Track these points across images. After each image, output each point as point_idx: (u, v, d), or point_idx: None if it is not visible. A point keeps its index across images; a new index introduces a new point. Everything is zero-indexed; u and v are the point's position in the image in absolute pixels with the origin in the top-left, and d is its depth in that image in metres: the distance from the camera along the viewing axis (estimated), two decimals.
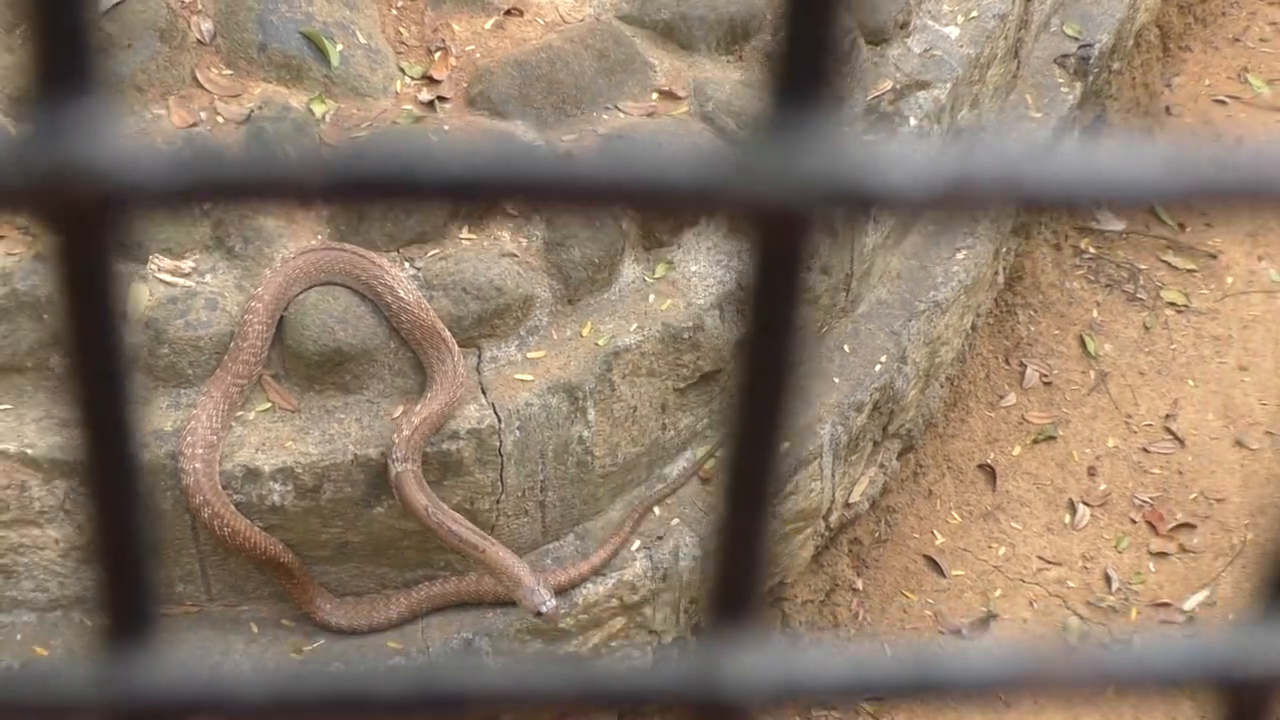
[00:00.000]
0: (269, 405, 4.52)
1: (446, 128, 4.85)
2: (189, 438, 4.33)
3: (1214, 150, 0.51)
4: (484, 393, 4.62)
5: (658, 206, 0.48)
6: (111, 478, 0.53)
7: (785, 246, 0.48)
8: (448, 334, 4.50)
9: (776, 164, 0.47)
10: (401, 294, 4.47)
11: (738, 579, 0.56)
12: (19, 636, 4.54)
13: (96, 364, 0.49)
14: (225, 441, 4.42)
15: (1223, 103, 7.82)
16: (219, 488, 4.39)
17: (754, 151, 0.47)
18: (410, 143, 0.49)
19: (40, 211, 0.43)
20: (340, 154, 0.47)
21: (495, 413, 4.59)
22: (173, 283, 4.49)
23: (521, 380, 4.65)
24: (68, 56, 0.42)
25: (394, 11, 5.19)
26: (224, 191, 0.46)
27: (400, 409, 4.50)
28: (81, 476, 0.53)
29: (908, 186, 0.48)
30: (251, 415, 4.50)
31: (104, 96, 0.43)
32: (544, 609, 4.45)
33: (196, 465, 4.32)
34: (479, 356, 4.68)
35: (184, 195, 0.45)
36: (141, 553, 0.51)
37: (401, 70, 5.04)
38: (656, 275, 4.96)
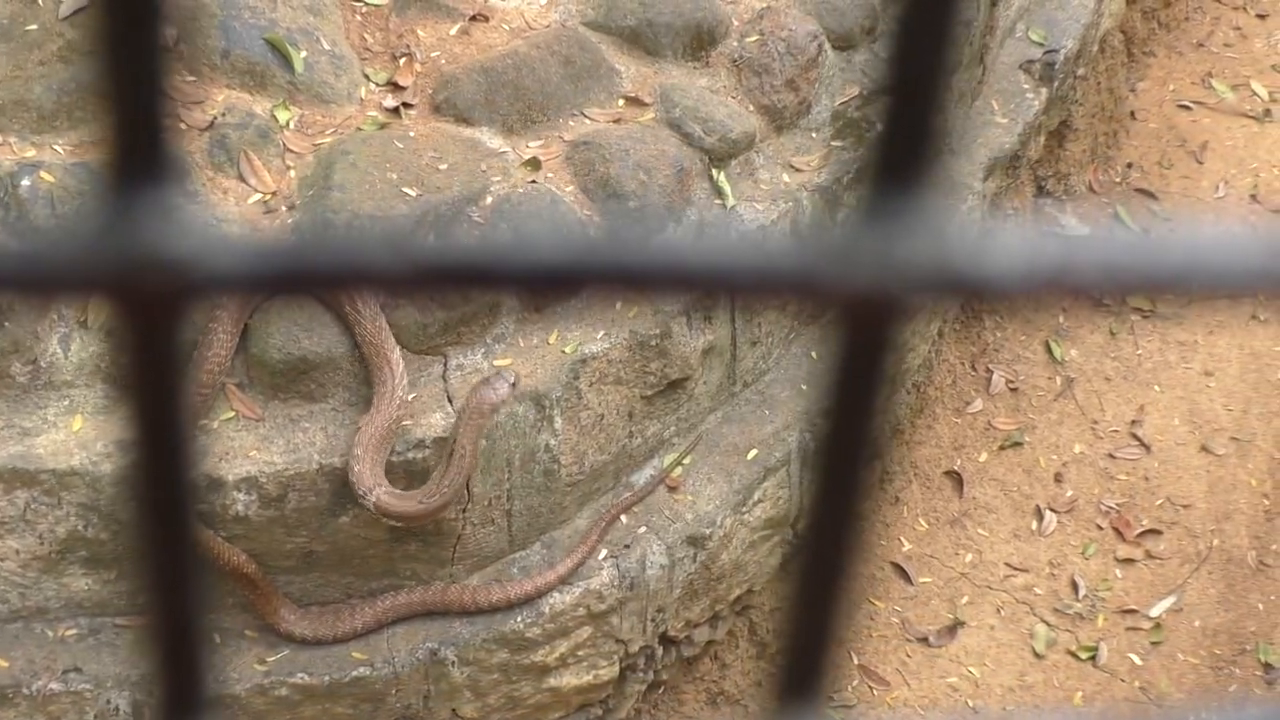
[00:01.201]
0: (233, 414, 4.52)
1: (413, 134, 4.86)
2: None
3: None
4: (450, 401, 4.63)
5: (760, 294, 0.50)
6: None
7: (877, 332, 0.50)
8: (395, 355, 4.49)
9: (875, 250, 0.48)
10: (360, 305, 4.48)
11: (810, 648, 0.58)
12: None
13: (163, 435, 0.51)
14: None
15: (1187, 108, 7.90)
16: None
17: (852, 237, 0.48)
18: (488, 235, 0.51)
19: (118, 300, 0.45)
20: (419, 245, 0.48)
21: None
22: None
23: None
24: (144, 145, 0.43)
25: (358, 17, 5.19)
26: (297, 283, 0.47)
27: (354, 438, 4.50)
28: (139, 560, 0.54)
29: (1007, 277, 0.49)
30: (215, 424, 4.50)
31: (180, 184, 0.44)
32: (511, 381, 4.51)
33: None
34: (445, 364, 4.69)
35: (260, 285, 0.47)
36: None
37: (366, 76, 5.05)
38: None
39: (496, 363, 4.71)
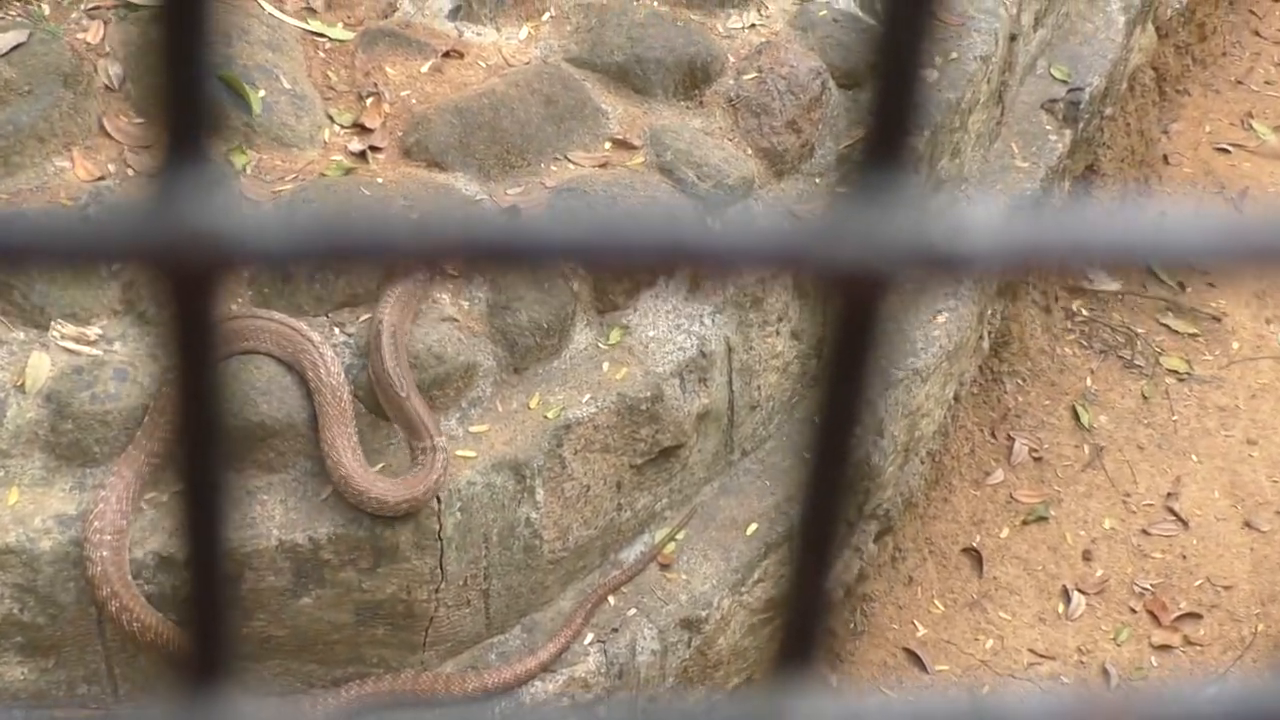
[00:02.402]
0: (184, 486, 4.57)
1: (381, 180, 4.94)
2: (96, 523, 4.37)
3: (1271, 216, 0.61)
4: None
5: (752, 269, 0.57)
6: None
7: (867, 307, 0.58)
8: (350, 436, 4.57)
9: (860, 228, 0.56)
10: (324, 374, 4.54)
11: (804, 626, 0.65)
12: None
13: (200, 416, 0.58)
14: (136, 526, 4.47)
15: (1225, 151, 8.01)
16: (128, 578, 4.42)
17: (838, 216, 0.56)
18: (513, 218, 0.58)
19: (160, 275, 0.53)
20: (460, 221, 0.56)
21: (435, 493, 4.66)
22: (78, 351, 4.54)
23: (463, 457, 4.72)
24: (184, 126, 0.51)
25: (321, 54, 5.29)
26: (334, 254, 0.55)
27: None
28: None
29: (986, 250, 0.57)
30: (165, 497, 4.55)
31: (218, 164, 0.52)
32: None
33: (104, 553, 4.36)
34: None
35: (298, 258, 0.54)
36: None
37: (330, 118, 5.14)
38: (611, 341, 5.05)
39: (472, 429, 4.78)
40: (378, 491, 4.50)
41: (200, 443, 0.59)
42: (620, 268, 0.57)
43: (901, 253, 0.57)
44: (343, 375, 4.57)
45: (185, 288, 0.52)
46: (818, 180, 5.51)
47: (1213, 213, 0.60)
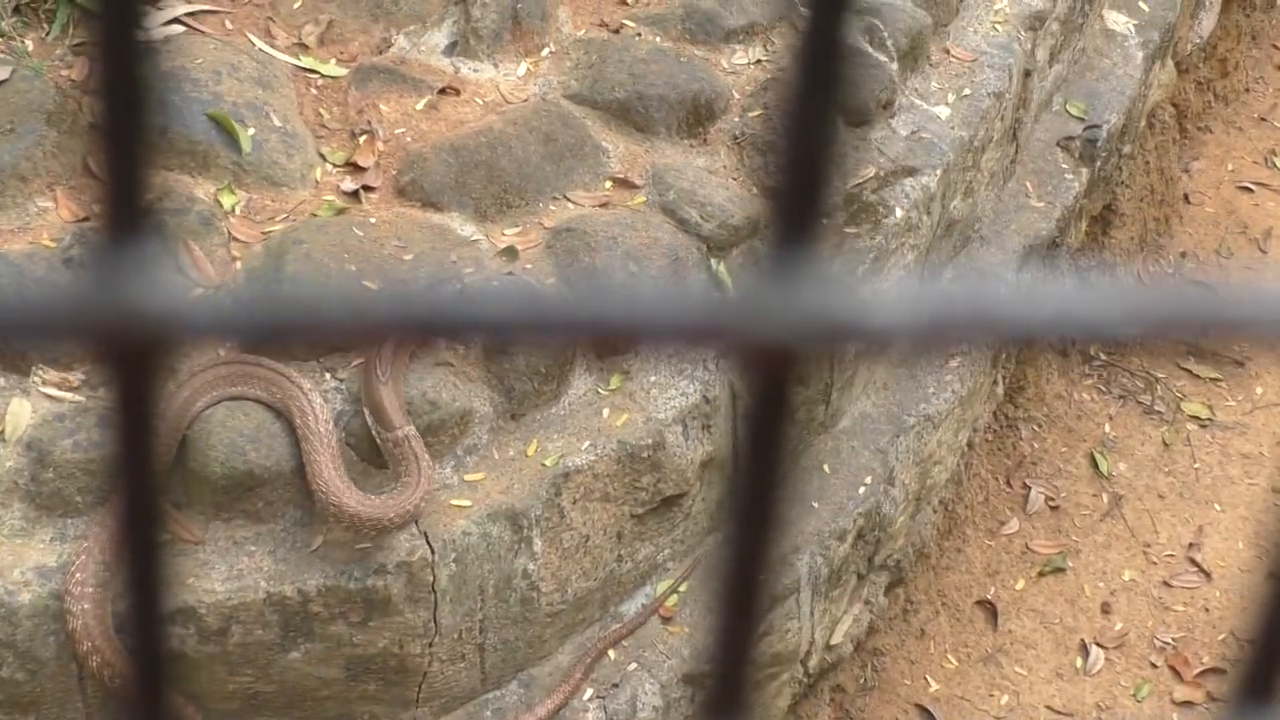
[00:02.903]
0: (169, 537, 4.58)
1: (374, 220, 4.97)
2: (77, 575, 4.38)
3: (1172, 290, 0.63)
4: (415, 521, 4.70)
5: (665, 344, 0.60)
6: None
7: (778, 380, 0.60)
8: (337, 464, 4.59)
9: (773, 303, 0.59)
10: (312, 421, 4.55)
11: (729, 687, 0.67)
12: None
13: (138, 487, 0.60)
14: (119, 579, 4.47)
15: (1248, 189, 8.03)
16: (111, 632, 4.43)
17: (750, 291, 0.59)
18: (423, 289, 0.60)
19: (98, 354, 0.54)
20: (392, 295, 0.58)
21: (428, 543, 4.66)
22: (60, 398, 4.56)
23: (458, 506, 4.74)
24: (125, 203, 0.53)
25: (313, 91, 5.33)
26: (272, 332, 0.57)
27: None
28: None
29: (893, 325, 0.59)
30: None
31: (158, 242, 0.54)
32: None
33: (85, 606, 4.37)
34: None
35: (236, 336, 0.56)
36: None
37: (322, 156, 5.17)
38: (611, 387, 5.07)
39: (467, 477, 4.79)
40: (369, 511, 4.50)
41: (141, 519, 0.61)
42: (541, 344, 0.59)
43: (811, 328, 0.59)
44: (332, 423, 4.59)
45: (125, 366, 0.54)
46: (825, 220, 5.52)
47: (1121, 285, 0.62)
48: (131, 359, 0.55)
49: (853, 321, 0.60)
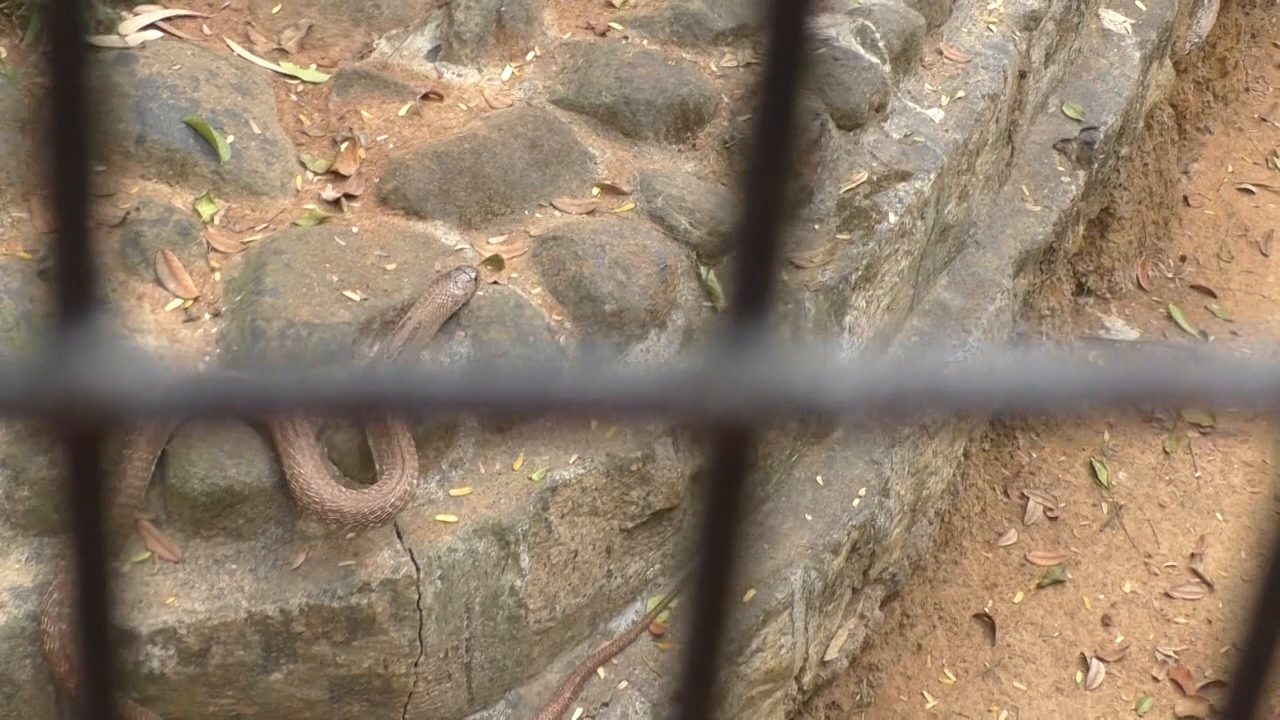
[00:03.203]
0: (147, 555, 4.58)
1: (356, 229, 4.97)
2: (54, 595, 4.37)
3: (1136, 364, 0.64)
4: (399, 537, 4.70)
5: (622, 418, 0.60)
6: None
7: (733, 454, 0.60)
8: (316, 460, 4.60)
9: (727, 378, 0.59)
10: (293, 435, 4.54)
11: None
12: None
13: (95, 571, 0.60)
14: None
15: (1249, 191, 8.04)
16: None
17: (703, 364, 0.59)
18: (407, 372, 0.61)
19: (50, 434, 0.55)
20: (341, 378, 0.58)
21: (413, 560, 4.66)
22: None
23: (443, 522, 4.74)
24: (77, 283, 0.53)
25: (293, 97, 5.33)
26: (221, 411, 0.57)
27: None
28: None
29: (848, 399, 0.60)
30: (127, 567, 4.56)
31: (110, 321, 0.55)
32: (471, 274, 4.83)
33: (63, 627, 4.37)
34: None
35: (187, 415, 0.56)
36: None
37: (302, 164, 5.17)
38: None
39: (453, 492, 4.79)
40: (348, 504, 4.49)
41: (94, 592, 0.62)
42: (495, 417, 0.60)
43: (765, 402, 0.60)
44: (313, 436, 4.58)
45: (75, 446, 0.54)
46: (816, 227, 5.54)
47: (1073, 362, 0.63)
48: (81, 439, 0.55)
49: (808, 395, 0.61)
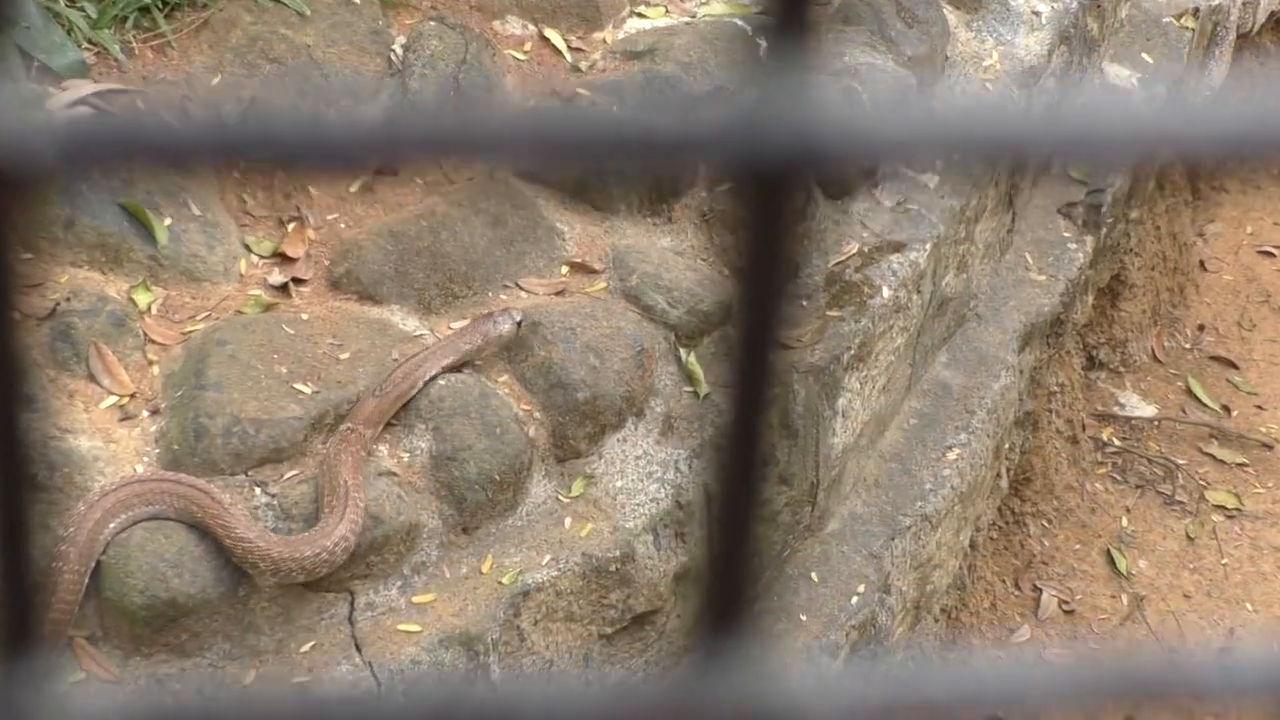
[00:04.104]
0: (83, 675, 4.53)
1: (306, 317, 4.94)
2: None
3: (1104, 663, 0.65)
4: (358, 649, 4.65)
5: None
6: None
7: None
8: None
9: (703, 696, 0.57)
10: (238, 536, 4.50)
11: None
12: None
13: None
14: None
15: (1270, 254, 8.05)
16: None
17: (681, 682, 0.57)
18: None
19: None
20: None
21: (373, 674, 4.61)
22: None
23: (405, 631, 4.69)
24: (14, 629, 0.50)
25: (235, 175, 5.30)
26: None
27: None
28: None
29: (822, 714, 0.58)
30: (61, 688, 4.50)
31: (49, 657, 0.52)
32: (517, 319, 4.97)
33: None
34: (351, 604, 4.72)
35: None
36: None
37: (247, 247, 5.15)
38: (573, 493, 5.04)
39: (415, 599, 4.75)
40: (278, 550, 4.47)
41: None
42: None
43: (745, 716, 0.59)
44: (263, 540, 4.54)
45: None
46: (804, 303, 5.52)
47: (1050, 662, 0.63)
48: None
49: (783, 712, 0.59)
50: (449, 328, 5.06)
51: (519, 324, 4.95)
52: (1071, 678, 0.67)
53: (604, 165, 0.66)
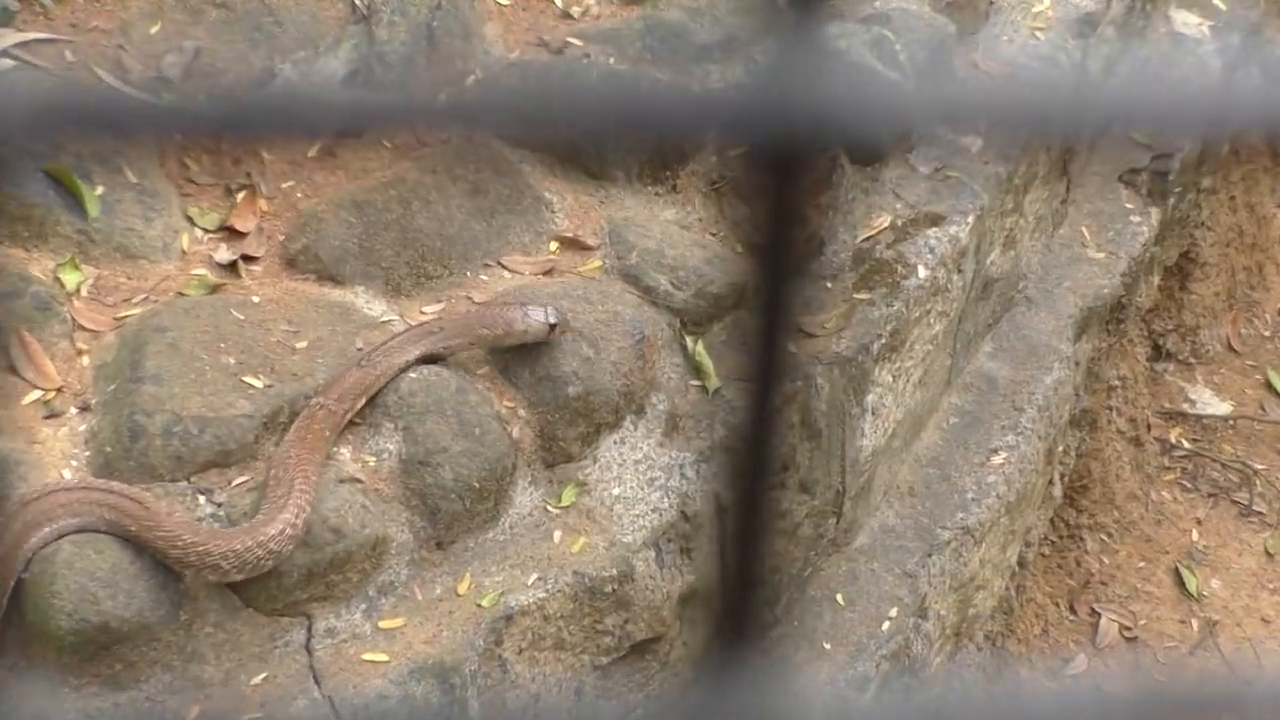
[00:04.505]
0: (1, 711, 4.53)
1: (257, 299, 4.93)
2: None
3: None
4: (317, 682, 4.65)
5: None
6: None
7: None
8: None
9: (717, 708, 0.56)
10: (183, 548, 4.50)
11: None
12: None
13: None
14: None
15: None
16: None
17: (695, 697, 0.57)
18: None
19: None
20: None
21: (334, 710, 4.61)
22: None
23: (371, 662, 4.69)
24: None
25: (176, 138, 5.30)
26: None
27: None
28: None
29: None
30: None
31: None
32: (552, 319, 4.89)
33: None
34: (309, 630, 4.71)
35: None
36: None
37: (190, 219, 5.14)
38: (563, 503, 5.03)
39: (383, 624, 4.74)
40: (212, 543, 4.48)
41: None
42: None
43: None
44: (191, 533, 4.53)
45: None
46: (829, 284, 5.51)
47: (1110, 696, 0.63)
48: None
49: None
50: (421, 312, 5.05)
51: (553, 326, 4.89)
52: (1134, 714, 0.66)
53: (597, 136, 0.65)
